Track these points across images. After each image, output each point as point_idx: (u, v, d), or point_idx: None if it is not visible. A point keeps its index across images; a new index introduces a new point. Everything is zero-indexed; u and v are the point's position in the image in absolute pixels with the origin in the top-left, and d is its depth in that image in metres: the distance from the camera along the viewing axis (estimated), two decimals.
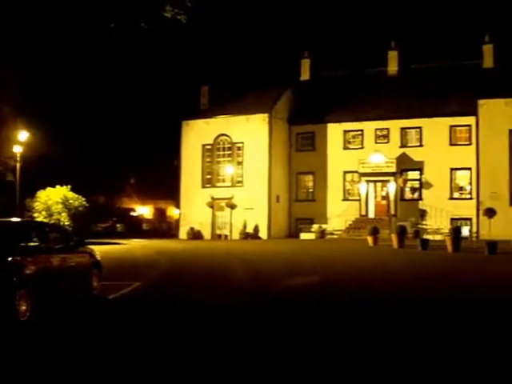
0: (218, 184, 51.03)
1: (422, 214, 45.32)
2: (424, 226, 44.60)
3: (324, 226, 47.49)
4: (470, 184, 46.58)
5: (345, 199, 49.84)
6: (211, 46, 67.95)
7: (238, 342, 9.50)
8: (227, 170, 50.58)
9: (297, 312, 12.46)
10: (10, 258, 11.28)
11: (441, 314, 12.06)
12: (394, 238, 33.70)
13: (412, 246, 32.49)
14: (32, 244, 12.50)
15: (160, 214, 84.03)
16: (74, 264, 13.84)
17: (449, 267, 23.51)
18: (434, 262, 25.57)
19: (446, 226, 41.03)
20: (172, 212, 77.82)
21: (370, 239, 35.85)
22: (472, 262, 25.46)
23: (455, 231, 30.50)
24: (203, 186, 51.32)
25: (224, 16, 64.64)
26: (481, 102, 44.54)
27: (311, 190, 51.52)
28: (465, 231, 42.05)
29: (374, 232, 35.98)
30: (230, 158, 50.65)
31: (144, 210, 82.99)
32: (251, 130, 49.37)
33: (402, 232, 33.66)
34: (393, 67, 53.76)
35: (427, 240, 32.87)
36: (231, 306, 13.35)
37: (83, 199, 40.93)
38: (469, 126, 46.10)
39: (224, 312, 12.44)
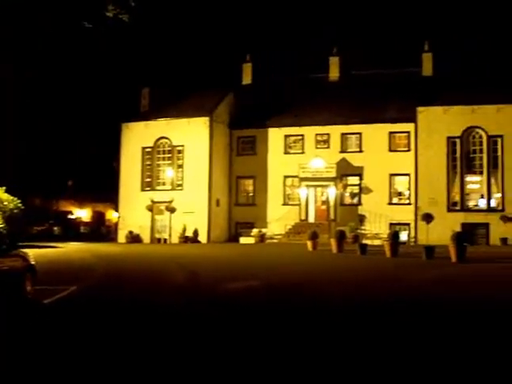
0: (158, 187, 50.49)
1: (361, 219, 45.71)
2: (363, 231, 45.02)
3: (264, 230, 47.54)
4: (409, 189, 47.25)
5: (285, 204, 49.93)
6: (152, 48, 67.31)
7: (176, 346, 9.27)
8: (167, 173, 50.11)
9: (238, 316, 12.27)
10: None
11: (397, 318, 12.05)
12: (333, 242, 33.89)
13: (351, 250, 32.71)
14: None
15: (98, 217, 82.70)
16: (7, 268, 13.35)
17: (388, 272, 23.67)
18: (374, 267, 25.73)
19: (384, 231, 41.42)
20: (111, 215, 76.69)
21: (309, 244, 35.92)
22: (410, 267, 25.68)
23: (393, 236, 30.78)
24: (143, 189, 50.72)
25: (166, 17, 64.12)
26: (420, 109, 45.28)
27: (251, 194, 51.46)
28: (403, 236, 42.74)
29: (314, 237, 36.08)
30: (170, 161, 50.17)
31: (82, 213, 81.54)
32: (192, 134, 49.04)
33: (341, 237, 33.89)
34: (334, 73, 54.29)
35: (366, 245, 33.14)
36: (170, 310, 13.09)
37: (18, 201, 39.80)
38: (407, 132, 46.82)
39: (163, 316, 12.19)
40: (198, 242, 47.38)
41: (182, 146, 49.60)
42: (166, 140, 50.21)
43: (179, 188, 49.55)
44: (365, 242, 37.42)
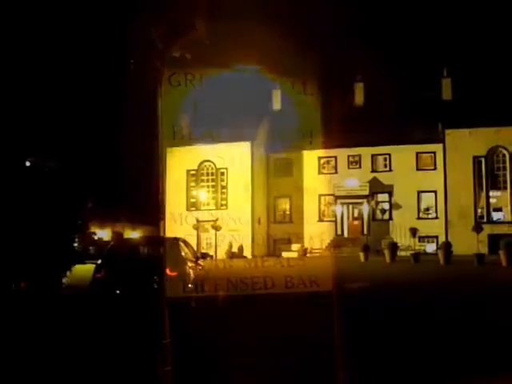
0: (203, 207, 54.27)
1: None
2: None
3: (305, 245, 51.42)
4: (435, 205, 51.47)
5: (320, 220, 53.90)
6: None
7: None
8: (210, 194, 54.01)
9: None
10: None
11: None
12: (386, 253, 37.92)
13: (401, 260, 36.66)
14: None
15: (117, 237, 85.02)
16: None
17: (458, 277, 27.35)
18: (453, 272, 29.29)
19: (416, 243, 44.94)
20: (129, 235, 79.15)
21: (361, 255, 39.97)
22: (473, 272, 29.52)
23: (446, 246, 34.93)
24: (188, 209, 54.45)
25: None
26: (447, 131, 49.72)
27: (288, 213, 55.46)
28: (431, 247, 46.99)
29: (366, 249, 40.16)
30: (213, 183, 54.17)
31: (103, 234, 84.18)
32: (234, 157, 52.83)
33: (394, 247, 37.96)
34: (360, 99, 58.27)
35: (418, 254, 37.30)
36: None
37: None
38: (433, 152, 51.16)
39: None
40: (244, 256, 51.01)
41: (226, 168, 53.60)
42: (210, 163, 54.21)
43: (223, 207, 53.43)
44: (400, 253, 41.08)
